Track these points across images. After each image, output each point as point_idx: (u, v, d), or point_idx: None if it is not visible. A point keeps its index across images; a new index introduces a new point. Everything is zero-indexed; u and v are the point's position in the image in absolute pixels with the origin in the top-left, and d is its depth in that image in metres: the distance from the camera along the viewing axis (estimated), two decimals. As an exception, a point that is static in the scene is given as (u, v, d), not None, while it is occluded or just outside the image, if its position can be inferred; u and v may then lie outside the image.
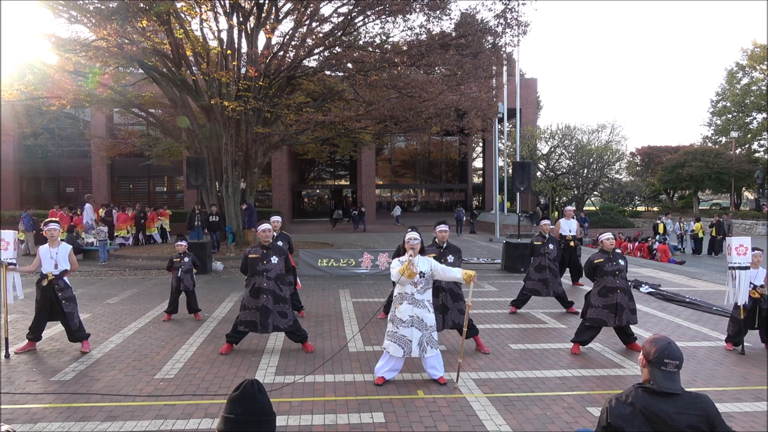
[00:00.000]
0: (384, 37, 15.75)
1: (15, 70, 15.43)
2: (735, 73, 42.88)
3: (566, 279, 11.00)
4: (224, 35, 15.61)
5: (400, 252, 7.42)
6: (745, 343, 6.40)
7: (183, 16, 15.27)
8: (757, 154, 42.03)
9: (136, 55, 14.03)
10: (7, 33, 24.83)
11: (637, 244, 20.25)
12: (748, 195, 44.25)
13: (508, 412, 4.60)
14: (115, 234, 17.40)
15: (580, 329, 6.42)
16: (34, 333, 6.31)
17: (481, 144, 40.98)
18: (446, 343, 6.64)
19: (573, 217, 11.67)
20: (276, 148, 18.60)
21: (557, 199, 35.30)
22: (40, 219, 11.37)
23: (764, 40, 47.49)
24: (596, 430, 2.49)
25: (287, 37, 15.46)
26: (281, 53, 15.15)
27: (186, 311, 8.06)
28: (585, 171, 33.69)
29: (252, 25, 15.39)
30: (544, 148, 35.23)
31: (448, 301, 6.15)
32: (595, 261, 6.37)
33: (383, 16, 14.90)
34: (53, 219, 6.59)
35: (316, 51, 15.12)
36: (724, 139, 43.23)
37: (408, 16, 14.90)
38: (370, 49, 15.15)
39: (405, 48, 14.87)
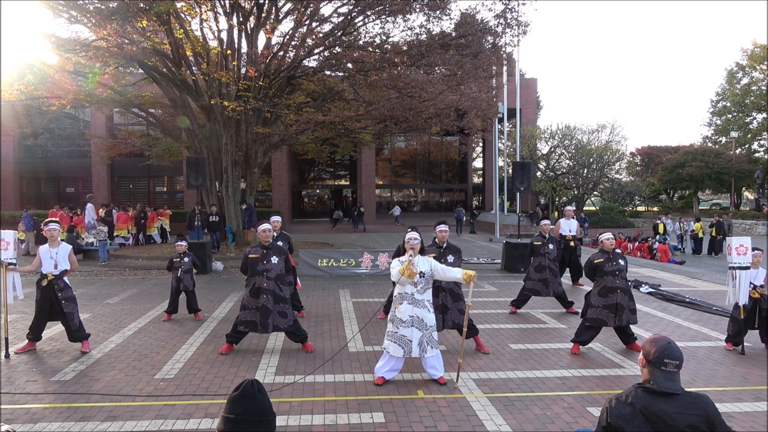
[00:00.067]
0: (384, 37, 15.75)
1: (15, 70, 15.43)
2: (735, 73, 42.89)
3: (566, 279, 11.00)
4: (224, 35, 15.62)
5: (400, 252, 7.42)
6: (745, 343, 6.40)
7: (183, 16, 15.27)
8: (757, 154, 42.03)
9: (136, 55, 14.03)
10: (7, 33, 24.83)
11: (637, 244, 20.25)
12: (748, 195, 44.25)
13: (508, 412, 4.60)
14: (115, 234, 17.40)
15: (580, 329, 6.42)
16: (34, 333, 6.31)
17: (481, 144, 40.98)
18: (446, 343, 6.64)
19: (573, 217, 11.67)
20: (276, 148, 18.61)
21: (557, 199, 35.31)
22: (41, 219, 11.37)
23: (764, 40, 47.55)
24: (596, 430, 2.49)
25: (287, 37, 15.46)
26: (281, 53, 15.14)
27: (186, 311, 8.07)
28: (585, 171, 33.69)
29: (252, 25, 15.39)
30: (544, 148, 35.25)
31: (448, 301, 6.15)
32: (595, 261, 6.37)
33: (383, 16, 14.89)
34: (53, 219, 6.59)
35: (316, 51, 15.12)
36: (724, 139, 43.23)
37: (408, 16, 14.90)
38: (370, 49, 15.15)
39: (405, 48, 14.87)
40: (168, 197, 32.53)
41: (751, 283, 6.34)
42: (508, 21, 15.18)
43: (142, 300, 9.41)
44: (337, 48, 15.09)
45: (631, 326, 6.49)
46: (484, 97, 17.22)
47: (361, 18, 15.27)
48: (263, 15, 15.21)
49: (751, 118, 42.80)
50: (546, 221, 9.04)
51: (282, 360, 6.00)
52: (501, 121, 24.64)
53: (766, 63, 40.41)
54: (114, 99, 16.69)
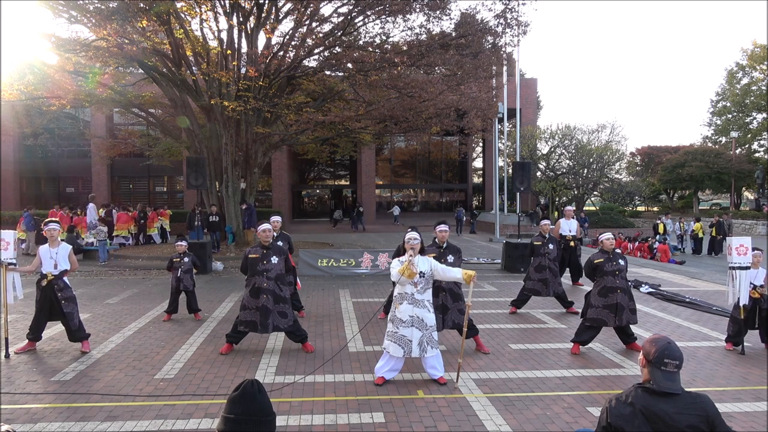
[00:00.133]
0: (384, 37, 15.75)
1: (15, 70, 15.43)
2: (735, 73, 42.89)
3: (566, 279, 11.00)
4: (224, 35, 15.62)
5: (400, 252, 7.42)
6: (745, 343, 6.40)
7: (183, 16, 15.27)
8: (757, 154, 42.03)
9: (136, 55, 14.03)
10: (7, 33, 24.84)
11: (637, 244, 20.25)
12: (748, 195, 44.26)
13: (508, 412, 4.60)
14: (114, 234, 17.39)
15: (580, 329, 6.42)
16: (34, 333, 6.31)
17: (481, 144, 40.98)
18: (446, 343, 6.64)
19: (573, 217, 11.67)
20: (276, 148, 18.61)
21: (557, 199, 35.31)
22: (41, 219, 11.38)
23: (764, 40, 47.55)
24: (596, 430, 2.49)
25: (287, 37, 15.46)
26: (281, 53, 15.15)
27: (186, 311, 8.07)
28: (585, 171, 33.68)
29: (252, 25, 15.39)
30: (544, 148, 35.25)
31: (448, 301, 6.15)
32: (595, 261, 6.37)
33: (383, 16, 14.89)
34: (53, 219, 6.59)
35: (316, 51, 15.12)
36: (724, 139, 43.23)
37: (408, 16, 14.90)
38: (370, 49, 15.15)
39: (405, 48, 14.87)
40: (168, 197, 32.53)
41: (751, 283, 6.34)
42: (508, 21, 15.18)
43: (142, 300, 9.41)
44: (337, 48, 15.09)
45: (631, 326, 6.49)
46: (484, 97, 17.22)
47: (361, 18, 15.28)
48: (263, 15, 15.22)
49: (751, 118, 42.81)
50: (546, 221, 9.04)
51: (282, 360, 6.00)
52: (501, 121, 24.64)
53: (766, 63, 40.41)
54: (114, 99, 16.69)
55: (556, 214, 32.06)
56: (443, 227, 6.36)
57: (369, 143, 24.89)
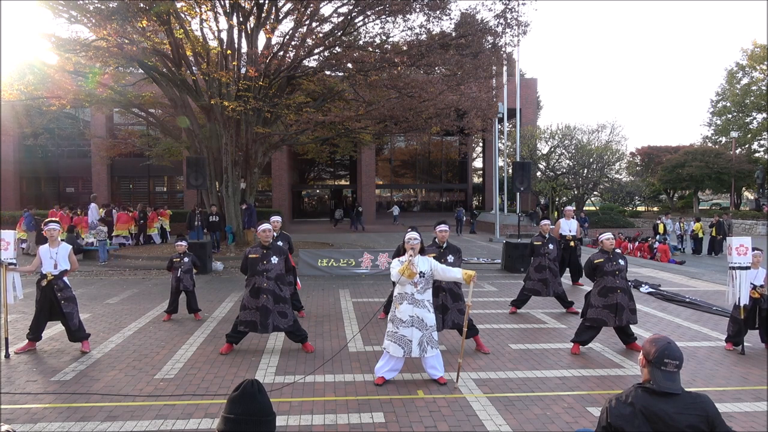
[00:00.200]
0: (384, 37, 15.75)
1: (15, 70, 15.43)
2: (735, 73, 42.89)
3: (566, 279, 11.00)
4: (224, 35, 15.62)
5: (400, 252, 7.42)
6: (745, 343, 6.40)
7: (183, 16, 15.27)
8: (757, 154, 42.03)
9: (136, 55, 14.03)
10: (7, 33, 24.84)
11: (637, 244, 20.25)
12: (748, 195, 44.26)
13: (508, 412, 4.60)
14: (114, 234, 17.40)
15: (580, 329, 6.42)
16: (34, 333, 6.31)
17: (481, 144, 40.98)
18: (446, 343, 6.64)
19: (573, 217, 11.67)
20: (276, 148, 18.61)
21: (557, 199, 35.31)
22: (41, 219, 11.40)
23: (764, 40, 47.55)
24: (596, 430, 2.49)
25: (287, 37, 15.46)
26: (281, 53, 15.14)
27: (186, 311, 8.07)
28: (585, 171, 33.68)
29: (252, 25, 15.39)
30: (544, 148, 35.25)
31: (448, 301, 6.15)
32: (595, 261, 6.37)
33: (383, 16, 14.89)
34: (53, 219, 6.59)
35: (316, 51, 15.12)
36: (724, 139, 43.23)
37: (408, 16, 14.90)
38: (370, 49, 15.15)
39: (405, 48, 14.87)
40: (168, 197, 32.54)
41: (751, 283, 6.34)
42: (508, 21, 15.18)
43: (142, 300, 9.41)
44: (337, 48, 15.09)
45: (631, 326, 6.49)
46: (484, 97, 17.22)
47: (361, 18, 15.28)
48: (263, 15, 15.22)
49: (751, 118, 42.80)
50: (546, 221, 9.04)
51: (282, 360, 6.00)
52: (501, 121, 24.64)
53: (766, 63, 40.41)
54: (114, 99, 16.69)
55: (555, 214, 32.05)
56: (443, 227, 6.36)
57: (369, 143, 24.89)
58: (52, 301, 6.24)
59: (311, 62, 16.46)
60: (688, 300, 9.41)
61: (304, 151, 26.43)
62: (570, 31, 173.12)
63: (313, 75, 16.89)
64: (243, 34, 15.40)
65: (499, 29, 15.49)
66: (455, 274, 5.25)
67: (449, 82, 15.61)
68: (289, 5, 15.71)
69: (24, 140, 27.76)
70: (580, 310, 6.82)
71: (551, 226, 9.40)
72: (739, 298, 6.30)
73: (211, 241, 14.53)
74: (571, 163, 34.14)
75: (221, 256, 14.60)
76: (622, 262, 6.38)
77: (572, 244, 11.08)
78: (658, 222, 21.43)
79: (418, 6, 14.54)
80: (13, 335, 6.90)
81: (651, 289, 10.34)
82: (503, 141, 29.55)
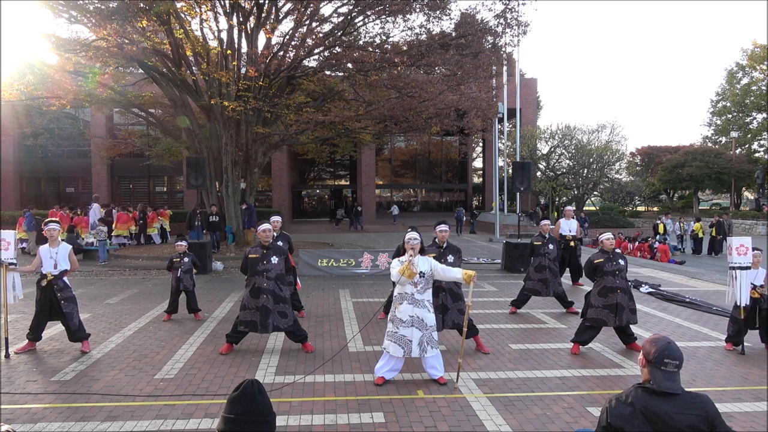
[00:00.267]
0: (384, 37, 15.74)
1: (15, 70, 15.43)
2: (735, 73, 42.88)
3: (566, 279, 11.00)
4: (224, 35, 15.62)
5: (400, 252, 7.42)
6: (745, 343, 6.40)
7: (183, 16, 15.27)
8: (757, 154, 42.03)
9: (136, 55, 14.03)
10: (7, 33, 24.84)
11: (637, 244, 20.25)
12: (748, 195, 44.26)
13: (508, 412, 4.60)
14: (114, 234, 17.40)
15: (580, 329, 6.42)
16: (34, 333, 6.31)
17: (481, 144, 40.97)
18: (446, 343, 6.64)
19: (573, 217, 11.67)
20: (276, 148, 18.60)
21: (557, 199, 35.30)
22: (42, 219, 11.42)
23: (764, 40, 47.54)
24: (596, 430, 2.49)
25: (287, 37, 15.46)
26: (281, 53, 15.14)
27: (186, 311, 8.07)
28: (585, 171, 33.68)
29: (252, 25, 15.39)
30: (544, 148, 35.24)
31: (448, 301, 6.15)
32: (595, 261, 6.37)
33: (383, 16, 14.89)
34: (53, 219, 6.59)
35: (316, 51, 15.12)
36: (724, 139, 43.23)
37: (408, 16, 14.90)
38: (370, 49, 15.15)
39: (405, 48, 14.86)
40: (168, 197, 32.53)
41: (751, 283, 6.34)
42: (508, 21, 15.18)
43: (142, 300, 9.41)
44: (337, 48, 15.09)
45: (631, 326, 6.49)
46: (484, 97, 17.22)
47: (361, 18, 15.28)
48: (263, 15, 15.21)
49: (751, 118, 42.80)
50: (546, 221, 9.05)
51: (282, 360, 6.00)
52: (501, 121, 24.64)
53: (766, 63, 40.40)
54: (114, 99, 16.69)
55: (555, 214, 32.05)
56: (443, 227, 6.36)
57: (369, 143, 24.89)
58: (52, 301, 6.24)
59: (311, 62, 16.47)
60: (688, 300, 9.41)
61: (304, 151, 26.43)
62: (570, 31, 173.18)
63: (313, 75, 16.89)
64: (243, 34, 15.40)
65: (499, 29, 15.49)
66: (455, 274, 5.25)
67: (449, 82, 15.61)
68: (289, 5, 15.71)
69: (24, 140, 27.76)
70: (580, 310, 6.82)
71: (551, 226, 9.40)
72: (739, 298, 6.30)
73: (211, 241, 14.53)
74: (571, 163, 34.14)
75: (221, 256, 14.60)
76: (622, 262, 6.38)
77: (572, 244, 11.08)
78: (658, 222, 21.43)
79: (418, 6, 14.53)
80: (13, 335, 6.90)
81: (651, 289, 10.34)
82: (503, 141, 29.54)
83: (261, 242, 6.21)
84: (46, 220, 6.59)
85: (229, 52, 15.22)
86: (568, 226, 11.30)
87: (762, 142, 42.98)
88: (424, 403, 4.78)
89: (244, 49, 15.55)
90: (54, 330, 7.07)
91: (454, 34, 15.28)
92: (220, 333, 7.01)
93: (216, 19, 15.73)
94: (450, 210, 36.12)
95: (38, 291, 6.30)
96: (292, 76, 15.89)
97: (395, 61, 14.05)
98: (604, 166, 33.83)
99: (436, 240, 6.37)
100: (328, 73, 17.19)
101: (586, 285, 10.37)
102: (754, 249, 6.39)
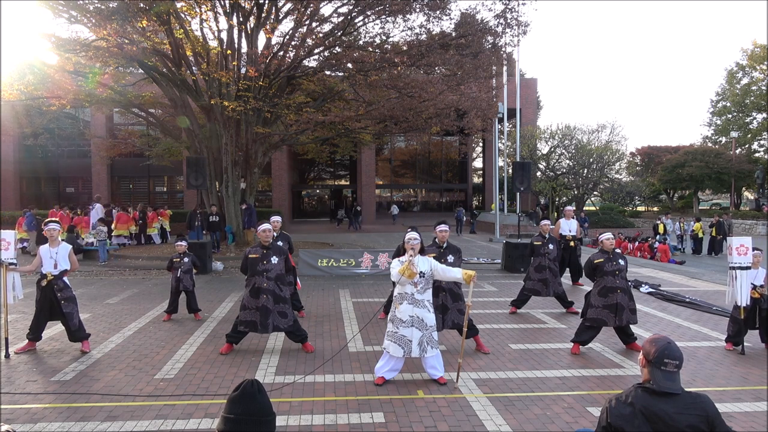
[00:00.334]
0: (384, 37, 15.74)
1: (15, 70, 15.43)
2: (735, 73, 42.87)
3: (566, 279, 11.00)
4: (224, 35, 15.62)
5: (400, 252, 7.42)
6: (745, 343, 6.40)
7: (183, 16, 15.27)
8: (757, 154, 42.02)
9: (136, 55, 14.03)
10: (7, 33, 24.84)
11: (637, 244, 20.25)
12: (748, 195, 44.26)
13: (508, 412, 4.60)
14: (114, 234, 17.40)
15: (580, 329, 6.42)
16: (34, 333, 6.31)
17: (481, 144, 40.97)
18: (446, 343, 6.64)
19: (573, 217, 11.68)
20: (276, 148, 18.60)
21: (557, 199, 35.29)
22: (42, 219, 11.42)
23: (764, 40, 47.54)
24: (596, 430, 2.49)
25: (287, 37, 15.46)
26: (281, 53, 15.14)
27: (186, 311, 8.07)
28: (585, 171, 33.68)
29: (252, 25, 15.39)
30: (544, 148, 35.24)
31: (448, 301, 6.15)
32: (595, 261, 6.37)
33: (383, 16, 14.89)
34: (53, 219, 6.59)
35: (316, 51, 15.12)
36: (724, 139, 43.23)
37: (408, 16, 14.89)
38: (370, 49, 15.15)
39: (405, 48, 14.86)
40: (168, 197, 32.53)
41: (751, 283, 6.34)
42: (508, 21, 15.18)
43: (142, 300, 9.41)
44: (337, 48, 15.09)
45: (631, 326, 6.49)
46: (484, 97, 17.21)
47: (361, 18, 15.27)
48: (263, 15, 15.21)
49: (751, 118, 42.79)
50: (546, 221, 9.05)
51: (282, 360, 6.00)
52: (501, 121, 24.63)
53: (766, 63, 40.40)
54: (114, 99, 16.69)
55: (555, 214, 32.04)
56: (443, 227, 6.36)
57: (369, 143, 24.89)
58: (52, 301, 6.24)
59: (311, 62, 16.46)
60: (688, 300, 9.41)
61: (304, 151, 26.42)
62: (570, 31, 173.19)
63: (313, 75, 16.89)
64: (243, 34, 15.40)
65: (499, 29, 15.49)
66: (455, 274, 5.25)
67: (449, 82, 15.60)
68: (289, 5, 15.71)
69: (24, 140, 27.75)
70: (580, 310, 6.82)
71: (551, 226, 9.40)
72: (739, 299, 6.29)
73: (211, 241, 14.53)
74: (571, 163, 34.13)
75: (221, 256, 14.60)
76: (622, 262, 6.38)
77: (572, 244, 11.08)
78: (658, 222, 21.43)
79: (418, 6, 14.53)
80: (13, 335, 6.90)
81: (651, 289, 10.34)
82: (503, 141, 29.54)
83: (261, 242, 6.21)
84: (46, 220, 6.59)
85: (229, 52, 15.22)
86: (568, 226, 11.30)
87: (762, 142, 42.99)
88: (424, 403, 4.78)
89: (244, 49, 15.55)
90: (54, 330, 7.07)
91: (454, 34, 15.28)
92: (220, 333, 7.01)
93: (216, 19, 15.75)
94: (450, 210, 36.11)
95: (38, 291, 6.30)
96: (292, 76, 15.89)
97: (395, 61, 14.05)
98: (604, 166, 33.83)
99: (436, 240, 6.37)
100: (328, 73, 17.19)
101: (586, 285, 10.37)
102: (754, 249, 6.39)
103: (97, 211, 16.59)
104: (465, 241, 22.26)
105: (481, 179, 41.25)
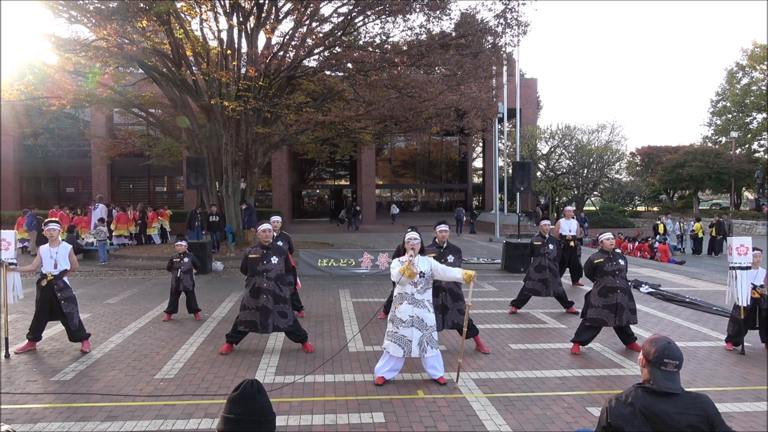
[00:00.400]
0: (384, 37, 15.74)
1: (15, 70, 15.43)
2: (735, 73, 42.87)
3: (566, 279, 11.00)
4: (224, 35, 15.62)
5: (400, 252, 7.42)
6: (745, 343, 6.40)
7: (183, 16, 15.27)
8: (757, 154, 42.02)
9: (136, 55, 14.03)
10: (7, 33, 24.84)
11: (637, 244, 20.25)
12: (748, 195, 44.26)
13: (508, 412, 4.60)
14: (115, 234, 17.41)
15: (580, 329, 6.42)
16: (34, 333, 6.31)
17: (481, 144, 40.97)
18: (446, 343, 6.64)
19: (573, 217, 11.68)
20: (276, 148, 18.60)
21: (557, 199, 35.30)
22: (42, 219, 11.43)
23: (764, 40, 47.54)
24: (596, 430, 2.49)
25: (287, 37, 15.46)
26: (281, 53, 15.15)
27: (186, 311, 8.07)
28: (585, 171, 33.67)
29: (252, 25, 15.39)
30: (544, 148, 35.24)
31: (447, 301, 6.15)
32: (595, 261, 6.37)
33: (383, 16, 14.89)
34: (53, 219, 6.60)
35: (316, 51, 15.12)
36: (724, 139, 43.23)
37: (408, 16, 14.89)
38: (370, 49, 15.15)
39: (405, 48, 14.86)
40: (168, 197, 32.52)
41: (751, 283, 6.34)
42: (508, 21, 15.18)
43: (142, 300, 9.41)
44: (337, 48, 15.09)
45: (631, 326, 6.49)
46: (484, 97, 17.21)
47: (361, 18, 15.28)
48: (263, 15, 15.21)
49: (751, 118, 42.79)
50: (546, 221, 9.05)
51: (282, 360, 6.00)
52: (501, 121, 24.64)
53: (766, 63, 40.39)
54: (114, 99, 16.69)
55: (555, 214, 32.05)
56: (443, 227, 6.36)
57: (369, 143, 24.89)
58: (52, 301, 6.24)
59: (311, 62, 16.46)
60: (688, 300, 9.41)
61: (304, 151, 26.42)
62: (570, 31, 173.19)
63: (313, 75, 16.89)
64: (243, 34, 15.40)
65: (499, 29, 15.49)
66: (455, 274, 5.25)
67: (449, 82, 15.60)
68: (289, 5, 15.71)
69: (24, 140, 27.74)
70: (580, 310, 6.82)
71: (551, 226, 9.40)
72: (739, 299, 6.29)
73: (211, 241, 14.53)
74: (571, 163, 34.13)
75: (221, 256, 14.60)
76: (622, 262, 6.38)
77: (572, 244, 11.08)
78: (658, 222, 21.43)
79: (418, 6, 14.53)
80: (13, 335, 6.90)
81: (651, 289, 10.34)
82: (503, 141, 29.54)
83: (261, 242, 6.21)
84: (46, 220, 6.59)
85: (229, 52, 15.22)
86: (568, 226, 11.30)
87: (762, 142, 42.99)
88: (424, 403, 4.78)
89: (244, 49, 15.55)
90: (54, 330, 7.07)
91: (454, 34, 15.28)
92: (220, 333, 7.01)
93: (216, 19, 15.75)
94: (450, 210, 36.11)
95: (38, 291, 6.30)
96: (292, 76, 15.89)
97: (395, 61, 14.05)
98: (604, 166, 33.83)
99: (436, 240, 6.37)
100: (328, 73, 17.19)
101: (586, 285, 10.37)
102: (754, 249, 6.39)
103: (101, 210, 16.59)
104: (465, 241, 22.26)
105: (481, 179, 41.25)
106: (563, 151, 34.48)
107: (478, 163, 45.29)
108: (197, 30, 16.21)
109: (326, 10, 17.05)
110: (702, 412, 2.32)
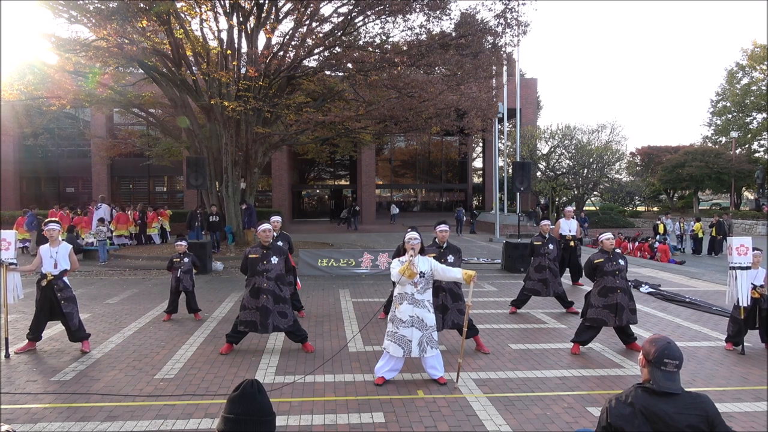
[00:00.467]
0: (384, 37, 15.74)
1: (15, 70, 15.43)
2: (735, 73, 42.87)
3: (566, 279, 11.00)
4: (224, 35, 15.62)
5: (400, 252, 7.42)
6: (745, 343, 6.40)
7: (183, 16, 15.27)
8: (757, 154, 42.02)
9: (136, 55, 14.02)
10: (7, 33, 24.85)
11: (637, 244, 20.25)
12: (748, 195, 44.25)
13: (508, 412, 4.60)
14: (115, 234, 17.41)
15: (580, 329, 6.42)
16: (34, 333, 6.31)
17: (481, 144, 40.96)
18: (446, 343, 6.64)
19: (573, 217, 11.68)
20: (276, 148, 18.60)
21: (557, 199, 35.30)
22: (43, 219, 11.42)
23: (764, 40, 47.54)
24: (596, 430, 2.49)
25: (287, 37, 15.46)
26: (281, 53, 15.14)
27: (186, 311, 8.07)
28: (585, 171, 33.67)
29: (252, 25, 15.39)
30: (544, 148, 35.23)
31: (448, 301, 6.15)
32: (595, 261, 6.37)
33: (383, 16, 14.89)
34: (53, 219, 6.60)
35: (316, 51, 15.12)
36: (724, 139, 43.23)
37: (408, 16, 14.89)
38: (370, 49, 15.15)
39: (405, 48, 14.86)
40: (168, 197, 32.52)
41: (751, 283, 6.34)
42: (508, 21, 15.18)
43: (142, 300, 9.41)
44: (337, 48, 15.09)
45: (631, 326, 6.49)
46: (484, 97, 17.21)
47: (361, 18, 15.27)
48: (263, 15, 15.21)
49: (751, 118, 42.79)
50: (546, 221, 9.05)
51: (282, 360, 6.00)
52: (501, 121, 24.63)
53: (766, 63, 40.39)
54: (114, 99, 16.69)
55: (555, 214, 32.04)
56: (443, 227, 6.36)
57: (369, 143, 24.88)
58: (52, 301, 6.24)
59: (311, 62, 16.46)
60: (688, 300, 9.41)
61: (304, 151, 26.42)
62: (570, 31, 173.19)
63: (313, 75, 16.89)
64: (243, 34, 15.40)
65: (499, 29, 15.49)
66: (455, 274, 5.25)
67: (449, 82, 15.60)
68: (289, 5, 15.71)
69: (24, 140, 27.74)
70: (580, 310, 6.82)
71: (551, 226, 9.40)
72: (739, 299, 6.29)
73: (211, 241, 14.53)
74: (571, 163, 34.13)
75: (221, 256, 14.60)
76: (622, 262, 6.38)
77: (572, 244, 11.08)
78: (658, 222, 21.43)
79: (418, 6, 14.53)
80: (13, 335, 6.90)
81: (651, 289, 10.34)
82: (503, 141, 29.54)
83: (261, 242, 6.20)
84: (47, 220, 6.59)
85: (229, 52, 15.22)
86: (568, 226, 11.30)
87: (762, 142, 42.99)
88: (424, 403, 4.78)
89: (244, 49, 15.55)
90: (54, 330, 7.07)
91: (454, 34, 15.28)
92: (220, 333, 7.01)
93: (216, 19, 15.75)
94: (450, 210, 36.11)
95: (38, 291, 6.30)
96: (292, 76, 15.89)
97: (395, 61, 14.05)
98: (604, 166, 33.82)
99: (436, 240, 6.37)
100: (328, 73, 17.19)
101: (586, 285, 10.37)
102: (754, 249, 6.39)
103: (103, 211, 16.59)
104: (465, 241, 22.26)
105: (481, 179, 41.25)
106: (563, 151, 34.48)
107: (478, 163, 45.31)
108: (197, 30, 16.22)
109: (326, 10, 17.07)
110: (702, 412, 2.32)
